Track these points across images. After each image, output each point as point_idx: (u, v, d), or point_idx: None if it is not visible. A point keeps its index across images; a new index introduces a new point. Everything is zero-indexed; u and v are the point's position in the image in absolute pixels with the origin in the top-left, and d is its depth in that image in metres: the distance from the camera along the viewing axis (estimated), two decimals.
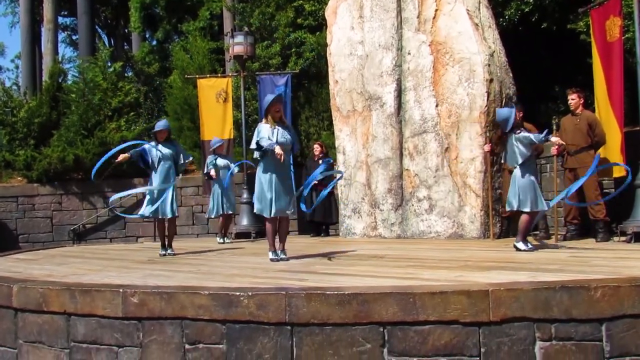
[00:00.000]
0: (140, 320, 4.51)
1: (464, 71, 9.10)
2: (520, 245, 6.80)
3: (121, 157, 7.89)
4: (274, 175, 6.60)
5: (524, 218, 6.80)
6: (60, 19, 25.97)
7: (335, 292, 4.17)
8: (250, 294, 4.27)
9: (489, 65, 9.01)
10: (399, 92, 9.74)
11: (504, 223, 9.10)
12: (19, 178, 14.23)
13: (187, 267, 6.43)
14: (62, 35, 30.95)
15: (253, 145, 6.73)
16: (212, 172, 10.24)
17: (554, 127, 8.05)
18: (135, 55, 21.10)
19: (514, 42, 10.48)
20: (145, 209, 7.86)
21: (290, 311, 4.16)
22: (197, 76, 13.29)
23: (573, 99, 8.21)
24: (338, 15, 10.53)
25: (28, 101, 15.91)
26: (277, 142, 6.54)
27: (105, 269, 6.55)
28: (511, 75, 9.49)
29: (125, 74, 19.03)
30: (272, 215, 6.62)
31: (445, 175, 9.22)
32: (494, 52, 9.21)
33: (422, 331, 4.03)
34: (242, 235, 11.46)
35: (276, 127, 6.68)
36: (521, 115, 8.07)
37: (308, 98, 14.16)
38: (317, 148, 11.15)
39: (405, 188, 9.64)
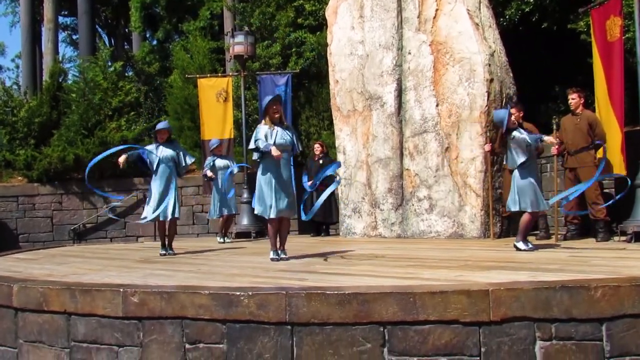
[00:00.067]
0: (140, 320, 4.51)
1: (464, 71, 9.10)
2: (521, 245, 6.80)
3: (121, 159, 7.90)
4: (273, 177, 6.59)
5: (524, 218, 6.80)
6: (60, 19, 25.98)
7: (336, 292, 4.17)
8: (250, 293, 4.27)
9: (490, 65, 9.02)
10: (400, 92, 9.74)
11: (504, 223, 9.10)
12: (19, 178, 14.24)
13: (188, 267, 6.43)
14: (62, 35, 30.98)
15: (251, 146, 6.74)
16: (208, 173, 10.25)
17: (554, 126, 8.05)
18: (135, 55, 21.09)
19: (514, 42, 10.48)
20: (149, 214, 7.86)
21: (290, 311, 4.16)
22: (197, 76, 13.29)
23: (573, 98, 8.20)
24: (338, 15, 10.53)
25: (28, 101, 15.92)
26: (275, 143, 6.53)
27: (105, 268, 6.55)
28: (511, 75, 9.50)
29: (126, 74, 19.02)
30: (272, 216, 6.62)
31: (446, 175, 9.22)
32: (495, 51, 9.21)
33: (423, 331, 4.03)
34: (243, 235, 11.46)
35: (275, 128, 6.67)
36: (521, 115, 8.09)
37: (308, 98, 14.16)
38: (317, 148, 11.15)
39: (406, 188, 9.64)
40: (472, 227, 8.97)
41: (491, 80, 8.99)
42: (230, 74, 14.22)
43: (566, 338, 3.99)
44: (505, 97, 9.21)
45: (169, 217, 7.86)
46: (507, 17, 11.21)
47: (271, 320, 4.19)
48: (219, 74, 14.37)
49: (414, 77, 9.60)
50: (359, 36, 10.22)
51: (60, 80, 16.00)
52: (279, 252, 6.77)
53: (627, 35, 8.75)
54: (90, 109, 14.61)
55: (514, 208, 6.82)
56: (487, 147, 8.51)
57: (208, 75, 13.52)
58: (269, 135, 6.61)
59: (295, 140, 6.82)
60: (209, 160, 10.46)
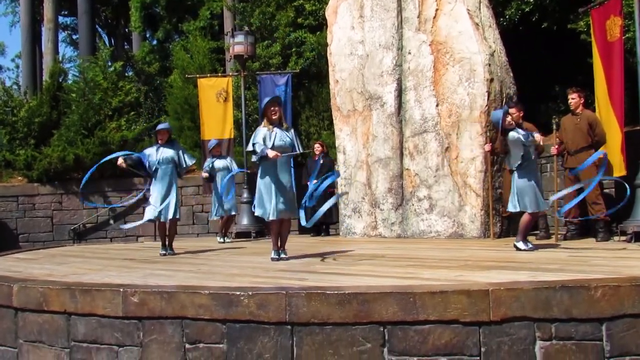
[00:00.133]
0: (140, 320, 4.51)
1: (464, 71, 9.10)
2: (521, 244, 6.80)
3: (120, 161, 7.93)
4: (272, 179, 6.58)
5: (524, 218, 6.80)
6: (60, 19, 25.98)
7: (336, 292, 4.17)
8: (250, 293, 4.27)
9: (490, 64, 9.01)
10: (400, 92, 9.74)
11: (504, 223, 9.10)
12: (19, 178, 14.24)
13: (188, 267, 6.43)
14: (62, 35, 30.98)
15: (249, 148, 6.74)
16: (203, 175, 10.25)
17: (554, 126, 8.06)
18: (135, 55, 21.10)
19: (514, 42, 10.48)
20: (149, 213, 7.87)
21: (290, 311, 4.16)
22: (197, 76, 13.29)
23: (573, 98, 8.20)
24: (338, 14, 10.53)
25: (28, 101, 15.92)
26: (274, 145, 6.52)
27: (105, 268, 6.55)
28: (511, 74, 9.50)
29: (126, 74, 19.03)
30: (272, 218, 6.61)
31: (446, 175, 9.22)
32: (495, 51, 9.21)
33: (423, 331, 4.03)
34: (243, 235, 11.46)
35: (274, 129, 6.65)
36: (521, 115, 8.09)
37: (308, 98, 14.16)
38: (317, 147, 11.15)
39: (406, 188, 9.64)
40: (472, 227, 8.97)
41: (491, 80, 8.99)
42: (230, 73, 14.22)
43: (566, 338, 3.99)
44: (506, 97, 9.21)
45: (170, 217, 7.87)
46: (507, 17, 11.21)
47: (271, 320, 4.19)
48: (219, 74, 14.37)
49: (414, 77, 9.60)
50: (359, 36, 10.22)
51: (60, 80, 16.00)
52: (279, 252, 6.78)
53: (627, 35, 8.75)
54: (90, 109, 14.61)
55: (514, 209, 6.83)
56: (487, 147, 8.51)
57: (208, 75, 13.52)
58: (267, 138, 6.59)
59: (295, 142, 6.79)
60: (208, 161, 10.46)
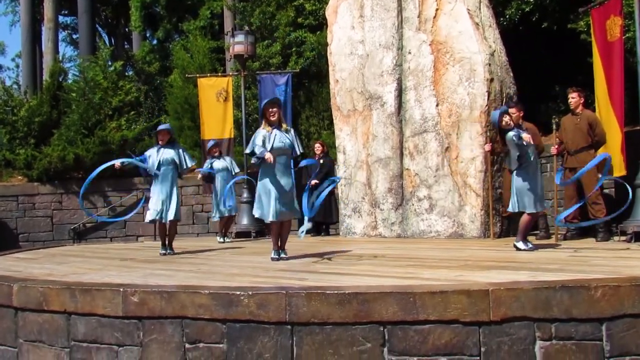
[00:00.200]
0: (140, 320, 4.51)
1: (464, 70, 9.10)
2: (520, 244, 6.80)
3: (117, 163, 7.96)
4: (272, 181, 6.56)
5: (524, 218, 6.80)
6: (60, 18, 25.98)
7: (336, 292, 4.17)
8: (250, 293, 4.27)
9: (490, 64, 9.01)
10: (400, 92, 9.74)
11: (504, 222, 9.10)
12: (19, 177, 14.24)
13: (188, 267, 6.43)
14: (62, 34, 30.99)
15: (248, 150, 6.73)
16: (199, 177, 10.22)
17: (554, 126, 8.06)
18: (135, 55, 21.10)
19: (514, 42, 10.48)
20: (150, 215, 7.89)
21: (290, 310, 4.16)
22: (197, 75, 13.30)
23: (573, 97, 8.20)
24: (339, 14, 10.53)
25: (28, 100, 15.93)
26: (273, 147, 6.50)
27: (105, 268, 6.56)
28: (512, 74, 9.49)
29: (126, 73, 19.04)
30: (271, 219, 6.61)
31: (446, 175, 9.22)
32: (495, 51, 9.21)
33: (423, 330, 4.03)
34: (243, 235, 11.46)
35: (273, 131, 6.62)
36: (521, 114, 8.09)
37: (308, 97, 14.17)
38: (318, 147, 11.15)
39: (406, 187, 9.64)
40: (472, 227, 8.97)
41: (491, 80, 8.99)
42: (231, 73, 14.23)
43: (566, 338, 3.99)
44: (506, 97, 9.21)
45: (170, 219, 7.88)
46: (507, 16, 11.21)
47: (271, 320, 4.19)
48: (219, 74, 14.38)
49: (414, 77, 9.60)
50: (359, 36, 10.22)
51: (60, 80, 16.01)
52: (280, 252, 6.78)
53: (627, 35, 8.75)
54: (91, 108, 14.62)
55: (514, 209, 6.83)
56: (487, 147, 8.51)
57: (208, 74, 13.53)
58: (266, 139, 6.57)
59: (295, 143, 6.75)
60: (207, 162, 10.44)
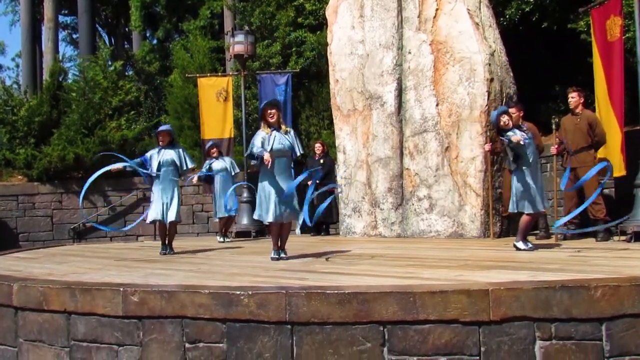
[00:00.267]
0: (140, 319, 4.51)
1: (464, 70, 9.10)
2: (520, 244, 6.80)
3: (115, 167, 7.98)
4: (272, 183, 6.55)
5: (523, 218, 6.80)
6: (60, 18, 25.99)
7: (336, 291, 4.17)
8: (250, 293, 4.27)
9: (490, 64, 9.01)
10: (400, 92, 9.74)
11: (504, 222, 9.10)
12: (20, 177, 14.24)
13: (188, 266, 6.43)
14: (62, 34, 31.00)
15: (247, 153, 6.71)
16: (195, 179, 10.20)
17: (554, 126, 8.06)
18: (135, 54, 21.11)
19: (514, 42, 10.48)
20: (151, 216, 7.91)
21: (290, 310, 4.16)
22: (197, 75, 13.30)
23: (573, 97, 8.20)
24: (339, 14, 10.53)
25: (28, 100, 15.92)
26: (272, 149, 6.50)
27: (105, 267, 6.56)
28: (512, 74, 9.49)
29: (126, 73, 19.04)
30: (270, 221, 6.61)
31: (446, 175, 9.22)
32: (495, 51, 9.21)
33: (422, 330, 4.03)
34: (243, 234, 11.46)
35: (273, 132, 6.61)
36: (521, 114, 8.09)
37: (308, 97, 14.17)
38: (318, 147, 11.16)
39: (406, 187, 9.64)
40: (472, 227, 8.97)
41: (491, 80, 8.99)
42: (231, 73, 14.23)
43: (566, 338, 3.99)
44: (506, 97, 9.21)
45: (170, 220, 7.89)
46: (507, 16, 11.21)
47: (271, 319, 4.19)
48: (219, 74, 14.38)
49: (414, 77, 9.60)
50: (359, 35, 10.22)
51: (60, 80, 16.00)
52: (280, 251, 6.78)
53: (627, 35, 8.76)
54: (91, 108, 14.62)
55: (513, 209, 6.84)
56: (487, 147, 8.51)
57: (208, 74, 13.53)
58: (266, 141, 6.55)
59: (295, 144, 6.72)
60: (206, 163, 10.43)
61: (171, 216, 7.84)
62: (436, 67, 9.36)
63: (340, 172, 10.32)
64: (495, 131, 7.77)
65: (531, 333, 4.00)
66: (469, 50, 9.06)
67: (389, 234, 9.71)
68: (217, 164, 10.26)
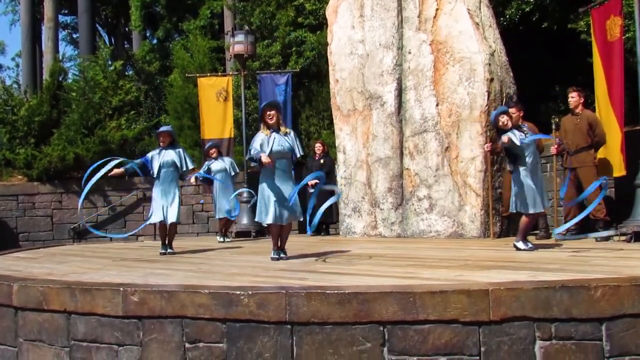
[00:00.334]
0: (140, 319, 4.51)
1: (464, 70, 9.10)
2: (520, 244, 6.80)
3: (115, 172, 8.00)
4: (271, 185, 6.55)
5: (524, 218, 6.80)
6: (60, 18, 25.98)
7: (336, 291, 4.17)
8: (250, 292, 4.27)
9: (490, 64, 9.01)
10: (400, 92, 9.74)
11: (504, 222, 9.10)
12: (19, 176, 14.23)
13: (188, 266, 6.43)
14: (62, 34, 31.00)
15: (248, 156, 6.71)
16: (192, 180, 10.19)
17: (554, 126, 8.06)
18: (135, 54, 21.11)
19: (514, 42, 10.49)
20: (152, 218, 7.95)
21: (290, 310, 4.16)
22: (197, 75, 13.30)
23: (573, 97, 8.20)
24: (339, 14, 10.53)
25: (28, 99, 15.92)
26: (272, 151, 6.49)
27: (105, 267, 6.56)
28: (512, 74, 9.49)
29: (126, 73, 19.03)
30: (269, 222, 6.60)
31: (446, 175, 9.22)
32: (495, 51, 9.21)
33: (422, 330, 4.03)
34: (242, 234, 11.46)
35: (272, 134, 6.60)
36: (521, 114, 8.09)
37: (308, 97, 14.17)
38: (318, 147, 11.16)
39: (406, 187, 9.64)
40: (472, 227, 8.97)
41: (491, 80, 8.99)
42: (231, 73, 14.23)
43: (566, 338, 3.99)
44: (506, 97, 9.21)
45: (171, 221, 7.90)
46: (507, 16, 11.22)
47: (271, 319, 4.19)
48: (219, 73, 14.37)
49: (414, 77, 9.60)
50: (359, 35, 10.22)
51: (60, 79, 15.99)
52: (279, 252, 6.78)
53: (627, 35, 8.76)
54: (91, 108, 14.61)
55: (513, 209, 6.84)
56: (487, 147, 8.48)
57: (208, 74, 13.52)
58: (265, 143, 6.54)
59: (295, 146, 6.71)
60: (205, 165, 10.42)
61: (171, 217, 7.86)
62: (436, 67, 9.36)
63: (340, 172, 10.32)
64: (495, 131, 7.77)
65: (531, 333, 4.00)
66: (469, 50, 9.06)
67: (389, 234, 9.71)
68: (216, 165, 10.25)
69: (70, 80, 16.83)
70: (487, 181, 8.85)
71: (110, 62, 16.83)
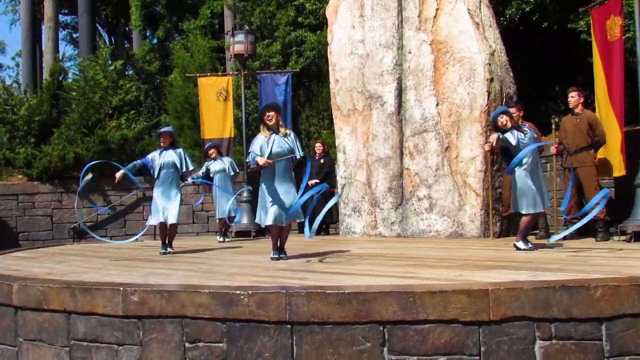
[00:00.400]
0: (140, 319, 4.51)
1: (464, 70, 9.09)
2: (520, 244, 6.80)
3: (118, 175, 8.03)
4: (271, 187, 6.54)
5: (524, 218, 6.80)
6: (60, 17, 25.97)
7: (336, 291, 4.17)
8: (250, 292, 4.27)
9: (490, 64, 9.01)
10: (400, 91, 9.74)
11: (504, 222, 9.10)
12: (19, 176, 14.23)
13: (188, 266, 6.43)
14: (62, 34, 30.99)
15: (248, 159, 6.71)
16: (189, 181, 10.17)
17: (553, 126, 8.06)
18: (135, 54, 21.11)
19: (514, 42, 10.49)
20: (153, 219, 7.97)
21: (290, 310, 4.16)
22: (197, 75, 13.30)
23: (572, 96, 8.20)
24: (339, 14, 10.53)
25: (28, 99, 15.91)
26: (272, 153, 6.48)
27: (105, 267, 6.56)
28: (512, 74, 9.49)
29: (126, 72, 19.04)
30: (269, 224, 6.60)
31: (446, 175, 9.22)
32: (495, 51, 9.21)
33: (422, 330, 4.03)
34: (242, 234, 11.46)
35: (272, 136, 6.59)
36: (521, 114, 8.10)
37: (308, 97, 14.18)
38: (318, 147, 11.16)
39: (406, 187, 9.64)
40: (472, 227, 8.97)
41: (491, 80, 8.99)
42: (231, 72, 14.23)
43: (566, 338, 3.99)
44: (506, 97, 9.21)
45: (171, 222, 7.90)
46: (507, 16, 11.22)
47: (271, 319, 4.19)
48: (219, 73, 14.37)
49: (414, 77, 9.60)
50: (360, 35, 10.22)
51: (60, 79, 15.98)
52: (279, 251, 6.78)
53: (627, 35, 8.76)
54: (91, 107, 14.61)
55: (513, 209, 6.85)
56: (487, 147, 8.49)
57: (208, 74, 13.52)
58: (264, 145, 6.53)
59: (295, 147, 6.69)
60: (204, 165, 10.42)
61: (171, 218, 7.86)
62: (436, 66, 9.36)
63: (340, 172, 10.32)
64: (494, 131, 7.77)
65: (531, 333, 4.00)
66: (469, 50, 9.06)
67: (389, 234, 9.71)
68: (216, 165, 10.25)
69: (70, 80, 16.82)
70: (487, 181, 8.85)
71: (110, 62, 16.82)
